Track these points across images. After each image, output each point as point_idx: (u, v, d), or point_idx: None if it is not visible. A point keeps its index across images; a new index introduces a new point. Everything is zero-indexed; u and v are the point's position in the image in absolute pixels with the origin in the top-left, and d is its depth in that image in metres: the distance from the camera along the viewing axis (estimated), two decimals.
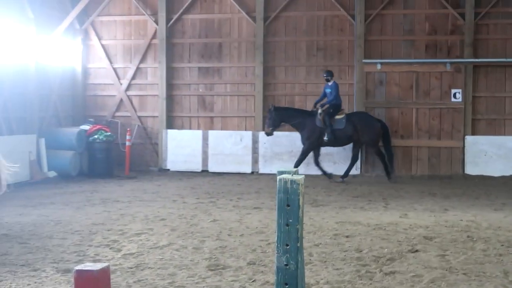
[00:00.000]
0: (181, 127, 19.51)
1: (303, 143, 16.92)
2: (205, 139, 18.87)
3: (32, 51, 17.50)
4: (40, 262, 8.11)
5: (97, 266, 4.11)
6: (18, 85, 17.04)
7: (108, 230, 10.11)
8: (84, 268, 4.06)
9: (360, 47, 18.48)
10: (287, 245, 4.36)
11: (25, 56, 17.36)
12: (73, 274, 3.92)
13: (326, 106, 16.73)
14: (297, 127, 17.09)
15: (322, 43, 18.98)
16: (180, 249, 8.77)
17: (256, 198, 13.67)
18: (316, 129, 16.67)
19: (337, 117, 16.76)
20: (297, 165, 16.35)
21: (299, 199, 4.30)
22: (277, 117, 16.90)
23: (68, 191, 14.83)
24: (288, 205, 4.31)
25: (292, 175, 4.44)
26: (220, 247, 8.89)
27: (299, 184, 4.29)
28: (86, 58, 20.15)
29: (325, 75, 17.17)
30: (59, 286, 7.05)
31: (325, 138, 16.53)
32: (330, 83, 16.97)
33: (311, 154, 17.02)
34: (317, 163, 16.84)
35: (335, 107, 16.82)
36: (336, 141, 16.73)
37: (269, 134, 17.17)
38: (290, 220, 4.35)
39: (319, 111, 16.68)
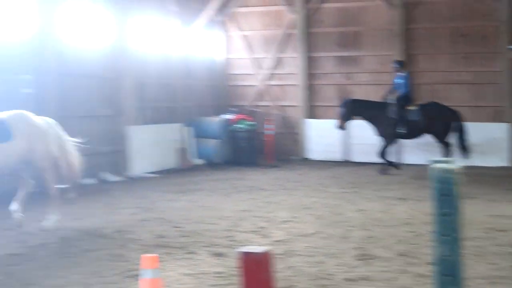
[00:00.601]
0: (321, 117, 19.55)
1: (380, 136, 15.93)
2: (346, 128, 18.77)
3: (177, 43, 18.29)
4: (193, 245, 8.50)
5: (260, 249, 4.33)
6: (165, 76, 17.87)
7: (255, 217, 10.37)
8: (248, 251, 4.30)
9: (506, 33, 17.66)
10: (445, 235, 4.31)
11: (171, 47, 18.15)
12: (238, 255, 4.14)
13: (398, 98, 15.80)
14: (370, 121, 16.15)
15: (464, 29, 18.30)
16: (327, 238, 8.85)
17: (401, 189, 13.34)
18: (390, 121, 15.73)
19: (411, 108, 15.83)
20: (382, 156, 15.67)
21: (456, 189, 4.23)
22: (350, 110, 16.07)
23: (214, 178, 15.31)
24: (444, 195, 4.26)
25: (447, 165, 4.38)
26: (367, 237, 8.85)
27: (455, 173, 4.23)
28: (227, 49, 20.70)
29: (395, 65, 16.23)
30: (213, 269, 7.36)
31: (400, 130, 15.66)
32: (401, 74, 16.06)
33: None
34: (382, 154, 15.79)
35: (407, 99, 15.89)
36: (410, 133, 15.82)
37: (342, 128, 16.38)
38: (447, 210, 4.29)
39: (392, 103, 15.82)
